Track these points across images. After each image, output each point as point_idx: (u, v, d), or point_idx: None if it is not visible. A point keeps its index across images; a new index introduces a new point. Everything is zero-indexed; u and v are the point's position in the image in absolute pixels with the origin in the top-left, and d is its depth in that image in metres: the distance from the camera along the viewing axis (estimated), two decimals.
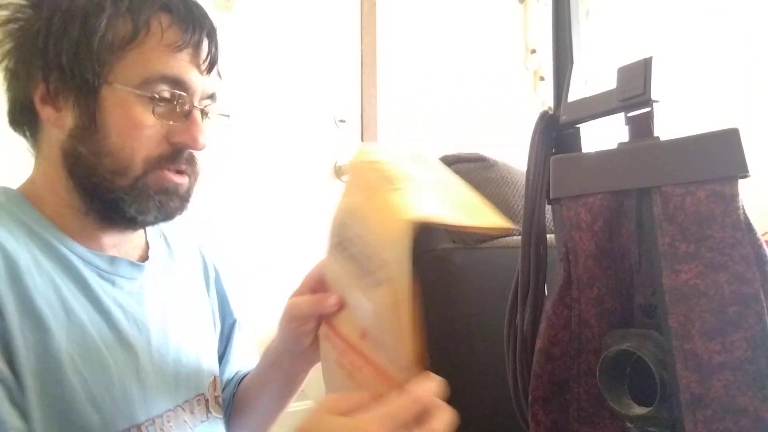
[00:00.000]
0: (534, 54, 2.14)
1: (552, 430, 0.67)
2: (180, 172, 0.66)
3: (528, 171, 0.76)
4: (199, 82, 0.65)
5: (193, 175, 0.68)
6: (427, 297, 1.97)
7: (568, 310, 0.65)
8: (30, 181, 0.66)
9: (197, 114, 0.65)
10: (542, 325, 0.67)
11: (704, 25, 1.85)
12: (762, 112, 1.68)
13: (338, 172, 1.62)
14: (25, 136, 0.67)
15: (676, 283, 0.55)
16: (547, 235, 0.74)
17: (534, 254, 0.73)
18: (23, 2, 0.62)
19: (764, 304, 0.51)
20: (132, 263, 0.68)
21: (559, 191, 0.67)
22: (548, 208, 0.73)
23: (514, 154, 1.63)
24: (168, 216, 0.66)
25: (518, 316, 0.74)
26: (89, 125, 0.61)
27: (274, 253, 1.43)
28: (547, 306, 0.67)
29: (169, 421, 0.64)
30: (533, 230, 0.74)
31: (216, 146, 1.36)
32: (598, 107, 0.68)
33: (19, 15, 0.62)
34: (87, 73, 0.60)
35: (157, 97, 0.62)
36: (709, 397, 0.52)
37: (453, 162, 1.75)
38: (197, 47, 0.65)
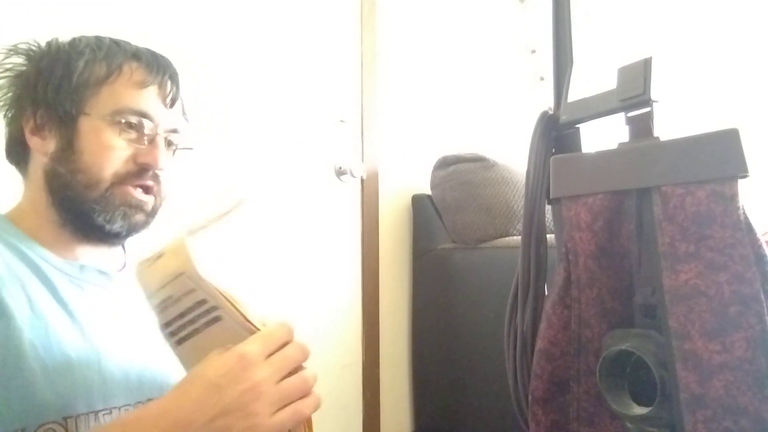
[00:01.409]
0: (534, 54, 2.14)
1: (552, 430, 0.67)
2: (146, 190, 0.76)
3: (528, 171, 0.76)
4: (162, 115, 0.77)
5: (158, 196, 0.78)
6: (427, 296, 1.99)
7: (568, 310, 0.65)
8: (16, 206, 0.77)
9: (160, 140, 0.76)
10: (542, 325, 0.67)
11: (704, 25, 1.85)
12: (762, 112, 1.68)
13: (338, 171, 1.62)
14: (17, 166, 0.78)
15: (676, 283, 0.55)
16: (547, 235, 0.74)
17: (534, 254, 0.73)
18: (22, 60, 0.76)
19: (764, 304, 0.51)
20: (101, 272, 0.77)
21: (559, 191, 0.67)
22: (548, 208, 0.73)
23: (514, 154, 1.64)
24: (132, 228, 0.75)
25: (518, 316, 0.74)
26: (67, 148, 0.72)
27: (274, 253, 1.43)
28: (547, 306, 0.67)
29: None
30: (533, 230, 0.74)
31: (216, 146, 1.36)
32: (598, 107, 0.68)
33: (19, 68, 0.76)
34: (67, 104, 0.73)
35: (124, 122, 0.73)
36: (709, 397, 0.52)
37: (453, 162, 1.76)
38: (161, 86, 0.77)
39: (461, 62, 1.99)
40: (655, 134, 0.61)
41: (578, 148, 0.75)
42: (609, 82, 0.66)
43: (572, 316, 0.65)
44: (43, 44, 0.76)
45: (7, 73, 0.76)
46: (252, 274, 1.36)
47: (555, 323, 0.66)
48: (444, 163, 1.72)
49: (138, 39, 0.81)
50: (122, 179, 0.73)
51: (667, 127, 0.61)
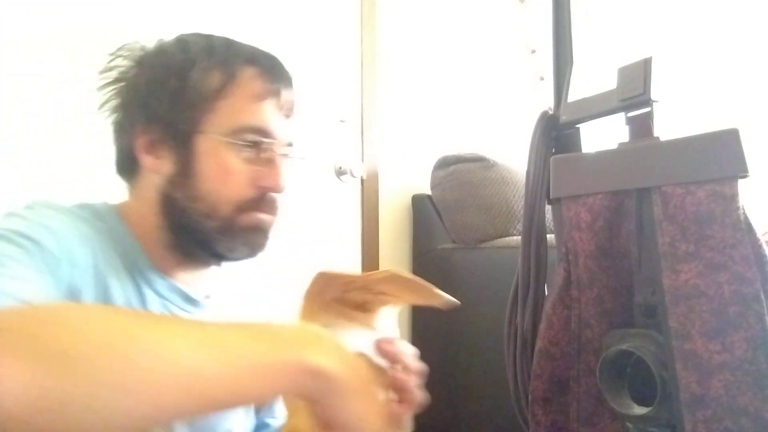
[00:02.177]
0: (534, 54, 2.14)
1: (552, 430, 0.67)
2: (269, 211, 0.70)
3: (528, 171, 0.76)
4: (281, 129, 0.69)
5: (275, 215, 0.72)
6: None
7: (568, 310, 0.65)
8: (126, 206, 0.71)
9: (279, 160, 0.69)
10: (542, 326, 0.67)
11: (704, 25, 1.85)
12: (762, 112, 1.68)
13: (338, 171, 1.62)
14: (127, 180, 0.72)
15: (676, 283, 0.55)
16: (547, 235, 0.74)
17: (534, 254, 0.73)
18: (130, 63, 0.68)
19: (764, 304, 0.51)
20: (190, 298, 0.73)
21: (559, 191, 0.67)
22: (548, 208, 0.73)
23: (514, 154, 1.64)
24: (253, 252, 0.70)
25: (518, 316, 0.74)
26: (185, 172, 0.66)
27: (274, 252, 1.43)
28: (547, 306, 0.67)
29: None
30: (533, 230, 0.74)
31: None
32: (598, 107, 0.68)
33: (126, 74, 0.69)
34: (183, 122, 0.66)
35: (243, 144, 0.66)
36: (709, 397, 0.52)
37: (453, 162, 1.75)
38: (279, 96, 0.69)
39: (461, 62, 1.99)
40: (655, 134, 0.61)
41: (578, 148, 0.75)
42: (609, 82, 0.66)
43: (572, 316, 0.65)
44: (149, 46, 0.69)
45: (112, 73, 0.69)
46: (252, 274, 1.36)
47: (555, 323, 0.66)
48: (444, 163, 1.72)
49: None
50: (244, 206, 0.67)
51: (667, 127, 0.61)
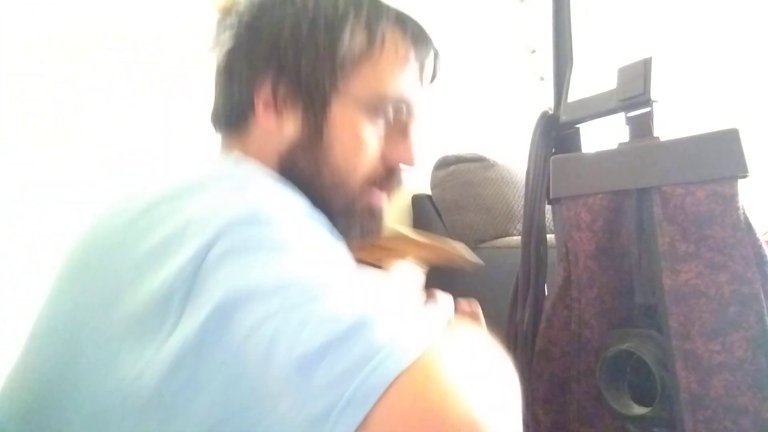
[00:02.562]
0: (534, 54, 2.14)
1: (552, 430, 0.67)
2: (389, 191, 0.64)
3: (528, 171, 0.76)
4: (419, 100, 0.63)
5: (397, 191, 0.66)
6: None
7: (568, 310, 0.65)
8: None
9: (413, 131, 0.63)
10: (542, 326, 0.67)
11: (704, 25, 1.85)
12: (762, 112, 1.68)
13: None
14: (227, 133, 0.63)
15: (676, 283, 0.55)
16: (547, 235, 0.74)
17: (534, 254, 0.73)
18: (257, 7, 0.61)
19: (764, 304, 0.52)
20: None
21: (559, 191, 0.67)
22: (548, 208, 0.73)
23: (514, 154, 1.64)
24: (364, 239, 0.63)
25: (518, 316, 0.74)
26: (315, 137, 0.58)
27: None
28: (547, 306, 0.67)
29: None
30: (533, 230, 0.74)
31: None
32: (598, 107, 0.68)
33: (254, 16, 0.61)
34: (324, 82, 0.58)
35: (383, 115, 0.60)
36: (709, 397, 0.52)
37: (453, 162, 1.75)
38: (423, 64, 0.64)
39: (461, 62, 1.98)
40: (655, 134, 0.61)
41: (578, 148, 0.75)
42: (609, 82, 0.66)
43: (572, 316, 0.65)
44: None
45: (232, 14, 0.62)
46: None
47: (555, 323, 0.66)
48: (444, 163, 1.72)
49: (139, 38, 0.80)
50: (369, 183, 0.60)
51: (667, 127, 0.61)
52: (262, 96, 0.59)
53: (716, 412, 0.52)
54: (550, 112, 0.75)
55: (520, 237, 0.75)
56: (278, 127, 0.59)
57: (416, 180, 1.81)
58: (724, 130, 0.55)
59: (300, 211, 0.47)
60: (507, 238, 1.58)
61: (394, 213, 1.80)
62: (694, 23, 1.85)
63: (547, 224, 0.74)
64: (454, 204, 1.67)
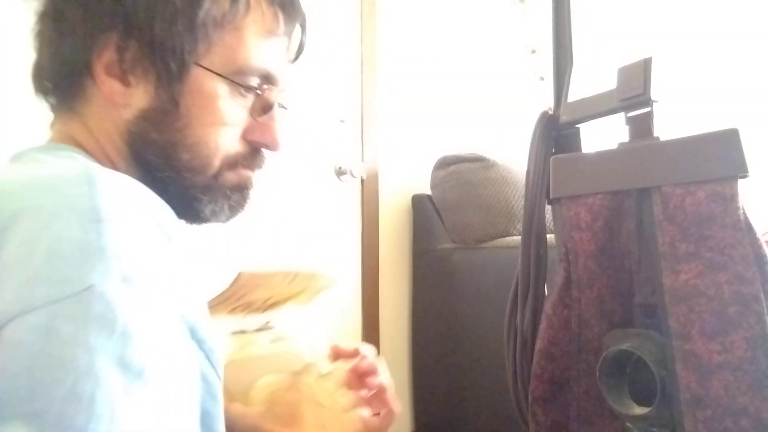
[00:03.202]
0: (534, 54, 2.14)
1: (552, 430, 0.67)
2: (251, 169, 0.59)
3: (528, 171, 0.76)
4: (285, 76, 0.58)
5: (259, 171, 0.61)
6: (427, 296, 1.98)
7: (568, 310, 0.65)
8: (78, 140, 0.53)
9: (276, 110, 0.57)
10: (542, 326, 0.67)
11: (704, 25, 1.85)
12: (762, 112, 1.67)
13: (338, 171, 1.62)
14: (57, 99, 0.54)
15: (676, 283, 0.55)
16: (547, 235, 0.74)
17: (534, 254, 0.73)
18: None
19: (764, 304, 0.51)
20: None
21: (559, 191, 0.67)
22: (548, 208, 0.73)
23: (514, 154, 1.64)
24: (233, 215, 0.59)
25: (518, 316, 0.74)
26: (171, 110, 0.52)
27: (273, 252, 1.43)
28: (547, 306, 0.67)
29: None
30: (533, 230, 0.74)
31: None
32: (598, 107, 0.68)
33: None
34: (182, 47, 0.51)
35: (245, 88, 0.54)
36: (709, 397, 0.52)
37: (453, 162, 1.75)
38: (290, 36, 0.58)
39: (461, 62, 1.98)
40: (655, 134, 0.61)
41: (578, 148, 0.75)
42: (609, 82, 0.66)
43: (572, 316, 0.65)
44: None
45: None
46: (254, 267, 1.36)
47: (555, 323, 0.66)
48: (444, 163, 1.72)
49: None
50: (233, 163, 0.55)
51: (667, 127, 0.61)
52: (104, 59, 0.50)
53: (716, 412, 0.52)
54: (550, 112, 0.75)
55: (520, 237, 0.75)
56: (124, 96, 0.51)
57: (416, 180, 1.81)
58: (724, 130, 0.55)
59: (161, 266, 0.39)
60: (507, 238, 1.58)
61: (394, 213, 1.80)
62: (694, 23, 1.85)
63: (547, 224, 0.74)
64: (454, 204, 1.67)
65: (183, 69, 0.51)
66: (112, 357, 0.34)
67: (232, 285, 0.62)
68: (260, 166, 0.59)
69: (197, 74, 0.52)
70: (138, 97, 0.52)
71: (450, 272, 1.66)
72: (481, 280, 1.57)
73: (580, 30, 0.79)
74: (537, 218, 0.73)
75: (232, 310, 0.66)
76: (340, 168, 1.61)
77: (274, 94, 0.57)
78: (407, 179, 1.83)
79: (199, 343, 0.40)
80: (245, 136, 0.56)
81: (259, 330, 0.69)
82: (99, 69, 0.51)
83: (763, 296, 0.52)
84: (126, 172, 0.51)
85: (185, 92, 0.52)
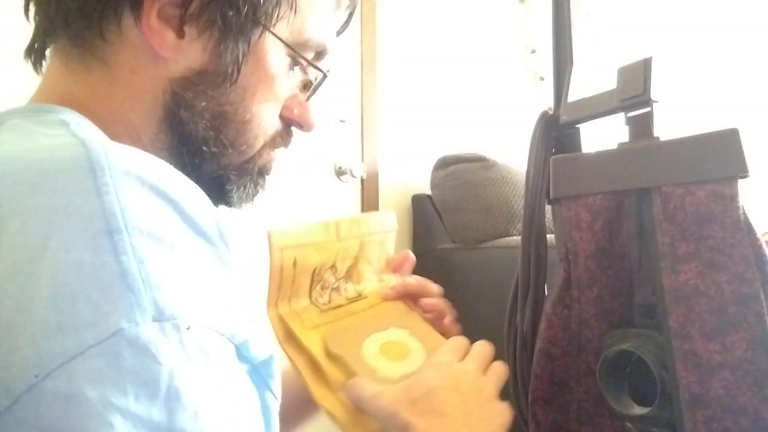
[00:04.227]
0: (534, 54, 2.14)
1: (552, 430, 0.67)
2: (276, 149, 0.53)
3: (528, 171, 0.76)
4: (334, 56, 0.53)
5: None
6: None
7: (568, 310, 0.65)
8: (86, 104, 0.42)
9: (316, 92, 0.53)
10: (542, 325, 0.67)
11: (704, 25, 1.85)
12: (762, 112, 1.67)
13: (338, 171, 1.62)
14: (70, 35, 0.42)
15: (676, 283, 0.55)
16: (547, 235, 0.74)
17: (534, 254, 0.73)
18: None
19: (764, 305, 0.51)
20: None
21: (559, 191, 0.67)
22: (548, 208, 0.73)
23: (514, 154, 1.64)
24: (251, 200, 0.53)
25: (518, 316, 0.74)
26: (228, 77, 0.43)
27: None
28: (547, 306, 0.67)
29: None
30: (533, 230, 0.74)
31: None
32: (598, 107, 0.68)
33: None
34: (260, 8, 0.43)
35: (299, 65, 0.49)
36: (709, 397, 0.52)
37: (453, 162, 1.75)
38: (351, 11, 0.53)
39: (461, 62, 1.99)
40: (655, 134, 0.61)
41: (578, 148, 0.75)
42: (609, 82, 0.66)
43: (572, 316, 0.65)
44: None
45: None
46: (251, 274, 1.36)
47: (555, 323, 0.66)
48: (444, 163, 1.72)
49: None
50: (270, 143, 0.50)
51: (667, 127, 0.61)
52: (161, 3, 0.41)
53: (716, 412, 0.52)
54: (550, 112, 0.75)
55: (520, 237, 0.75)
56: (174, 50, 0.42)
57: (416, 180, 1.81)
58: (724, 130, 0.55)
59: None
60: (507, 238, 1.58)
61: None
62: (694, 23, 1.85)
63: (547, 224, 0.74)
64: (454, 204, 1.67)
65: (255, 31, 0.44)
66: (160, 428, 0.25)
67: (276, 263, 0.55)
68: (287, 147, 0.53)
69: (265, 41, 0.45)
70: (191, 54, 0.43)
71: (450, 272, 1.66)
72: (481, 280, 1.57)
73: (580, 30, 0.79)
74: (537, 218, 0.73)
75: (311, 296, 0.61)
76: (340, 168, 1.61)
77: (320, 72, 0.52)
78: (407, 179, 1.83)
79: (251, 362, 0.33)
80: (281, 113, 0.50)
81: (352, 300, 0.63)
82: (151, 9, 0.41)
83: (763, 296, 0.52)
84: (151, 142, 0.43)
85: (249, 59, 0.44)
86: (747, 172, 0.53)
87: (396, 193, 1.79)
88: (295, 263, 0.57)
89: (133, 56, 0.42)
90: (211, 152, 0.45)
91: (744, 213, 0.54)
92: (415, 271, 1.96)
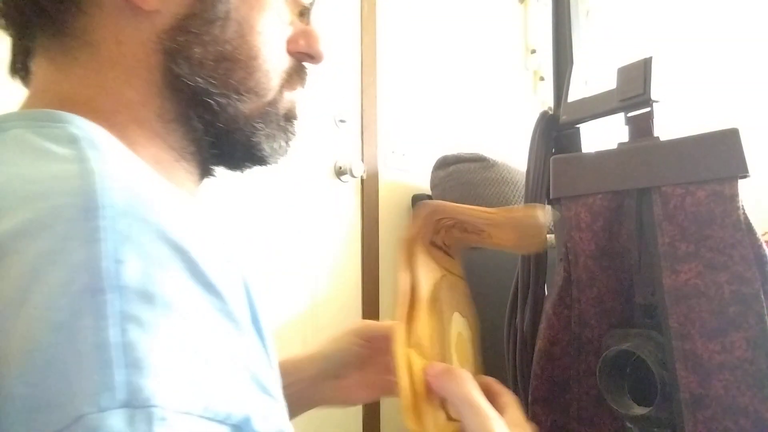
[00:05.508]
0: (534, 54, 2.14)
1: (552, 430, 0.67)
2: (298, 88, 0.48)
3: (528, 171, 0.76)
4: None
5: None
6: None
7: (568, 310, 0.65)
8: (83, 100, 0.38)
9: (315, 17, 0.48)
10: (542, 326, 0.67)
11: (704, 25, 1.85)
12: (762, 112, 1.68)
13: (338, 171, 1.62)
14: (33, 39, 0.39)
15: (676, 283, 0.55)
16: (547, 235, 0.74)
17: (534, 254, 0.73)
18: None
19: (764, 304, 0.51)
20: None
21: (559, 191, 0.67)
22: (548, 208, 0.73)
23: (514, 154, 1.64)
24: (286, 149, 0.47)
25: (518, 316, 0.74)
26: (218, 14, 0.39)
27: (273, 253, 1.43)
28: (547, 306, 0.67)
29: None
30: None
31: None
32: (598, 107, 0.68)
33: None
34: None
35: None
36: (709, 397, 0.52)
37: (453, 162, 1.75)
38: None
39: (461, 62, 1.98)
40: (655, 134, 0.61)
41: (578, 148, 0.75)
42: (609, 82, 0.66)
43: (572, 316, 0.65)
44: None
45: None
46: (250, 274, 1.36)
47: (555, 323, 0.66)
48: (444, 163, 1.72)
49: None
50: (287, 82, 0.45)
51: (667, 127, 0.61)
52: None
53: (716, 412, 0.52)
54: (550, 112, 0.75)
55: None
56: (160, 2, 0.38)
57: (416, 180, 1.81)
58: (724, 130, 0.55)
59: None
60: None
61: (394, 213, 1.80)
62: (694, 23, 1.85)
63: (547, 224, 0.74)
64: None
65: None
66: None
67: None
68: (303, 86, 0.48)
69: None
70: (171, 2, 0.38)
71: None
72: (481, 280, 1.57)
73: (580, 30, 0.79)
74: None
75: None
76: (340, 168, 1.61)
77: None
78: (407, 179, 1.83)
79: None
80: (288, 49, 0.45)
81: None
82: None
83: (763, 296, 0.52)
84: (159, 118, 0.39)
85: None
86: (747, 172, 0.53)
87: (396, 193, 1.79)
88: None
89: (114, 23, 0.38)
90: (221, 104, 0.40)
91: (744, 213, 0.54)
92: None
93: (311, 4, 0.48)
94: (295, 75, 0.46)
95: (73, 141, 0.32)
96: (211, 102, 0.40)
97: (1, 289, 0.23)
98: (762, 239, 0.53)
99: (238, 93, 0.41)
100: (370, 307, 1.67)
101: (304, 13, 0.47)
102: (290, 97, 0.46)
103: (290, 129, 0.47)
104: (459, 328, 0.57)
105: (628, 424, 0.60)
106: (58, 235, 0.24)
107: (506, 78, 2.13)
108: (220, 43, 0.40)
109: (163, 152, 0.40)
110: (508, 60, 2.14)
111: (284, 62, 0.45)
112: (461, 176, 1.65)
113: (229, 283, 0.28)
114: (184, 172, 0.42)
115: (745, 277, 0.52)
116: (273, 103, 0.44)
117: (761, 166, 0.62)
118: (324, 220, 1.58)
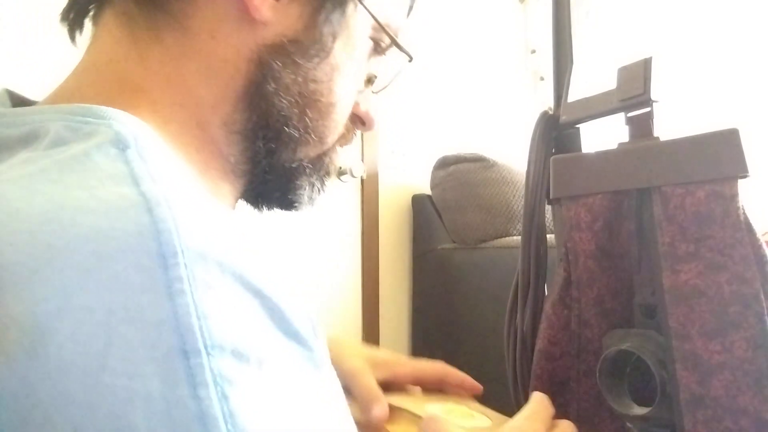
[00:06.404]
0: (534, 54, 2.14)
1: None
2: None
3: (528, 171, 0.76)
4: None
5: None
6: (427, 296, 1.99)
7: (568, 310, 0.65)
8: (148, 87, 0.34)
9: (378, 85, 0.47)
10: (542, 326, 0.67)
11: (704, 24, 1.85)
12: (762, 112, 1.67)
13: (338, 171, 1.62)
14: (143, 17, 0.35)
15: (676, 283, 0.55)
16: (547, 235, 0.74)
17: (534, 254, 0.73)
18: None
19: (764, 305, 0.51)
20: None
21: (559, 191, 0.67)
22: (548, 208, 0.73)
23: (514, 154, 1.64)
24: (310, 204, 0.48)
25: (518, 316, 0.74)
26: (322, 49, 0.38)
27: (273, 253, 1.43)
28: (547, 306, 0.67)
29: None
30: (533, 230, 0.74)
31: None
32: (598, 107, 0.68)
33: None
34: None
35: (390, 46, 0.43)
36: (709, 397, 0.52)
37: (453, 162, 1.76)
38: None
39: (461, 62, 1.98)
40: (655, 134, 0.61)
41: (578, 148, 0.75)
42: (609, 82, 0.66)
43: (572, 316, 0.65)
44: None
45: None
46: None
47: (555, 323, 0.66)
48: (444, 163, 1.72)
49: None
50: (340, 137, 0.45)
51: (667, 127, 0.61)
52: None
53: (716, 412, 0.52)
54: (550, 112, 0.75)
55: (520, 237, 0.75)
56: (271, 13, 0.36)
57: (416, 180, 1.81)
58: (724, 130, 0.55)
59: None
60: (507, 238, 1.58)
61: (394, 213, 1.80)
62: (694, 23, 1.85)
63: (547, 224, 0.74)
64: (454, 204, 1.67)
65: (349, 1, 0.39)
66: None
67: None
68: (350, 144, 0.49)
69: (357, 14, 0.40)
70: (285, 19, 0.37)
71: (450, 272, 1.66)
72: (481, 280, 1.57)
73: (580, 30, 0.79)
74: (537, 218, 0.73)
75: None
76: (340, 168, 1.61)
77: (385, 63, 0.47)
78: (407, 179, 1.83)
79: None
80: (354, 108, 0.45)
81: None
82: None
83: (763, 296, 0.52)
84: (224, 124, 0.37)
85: (341, 33, 0.39)
86: (747, 172, 0.53)
87: (396, 193, 1.79)
88: None
89: (216, 18, 0.35)
90: (291, 135, 0.39)
91: (744, 213, 0.54)
92: (415, 272, 1.97)
93: (377, 75, 0.47)
94: (347, 133, 0.46)
95: (120, 154, 0.26)
96: (283, 130, 0.39)
97: (72, 354, 0.20)
98: (762, 239, 0.53)
99: (308, 132, 0.40)
100: (370, 307, 1.68)
101: (371, 80, 0.47)
102: (336, 151, 0.46)
103: (326, 183, 0.46)
104: (447, 407, 0.61)
105: (628, 424, 0.60)
106: (131, 287, 0.21)
107: (506, 78, 2.12)
108: (311, 79, 0.39)
109: (215, 161, 0.38)
110: (508, 60, 2.14)
111: (347, 118, 0.44)
112: (461, 176, 1.66)
113: (308, 325, 0.27)
114: (230, 186, 0.40)
115: (745, 277, 0.52)
116: (327, 152, 0.44)
117: (761, 166, 0.62)
118: (324, 220, 1.58)
